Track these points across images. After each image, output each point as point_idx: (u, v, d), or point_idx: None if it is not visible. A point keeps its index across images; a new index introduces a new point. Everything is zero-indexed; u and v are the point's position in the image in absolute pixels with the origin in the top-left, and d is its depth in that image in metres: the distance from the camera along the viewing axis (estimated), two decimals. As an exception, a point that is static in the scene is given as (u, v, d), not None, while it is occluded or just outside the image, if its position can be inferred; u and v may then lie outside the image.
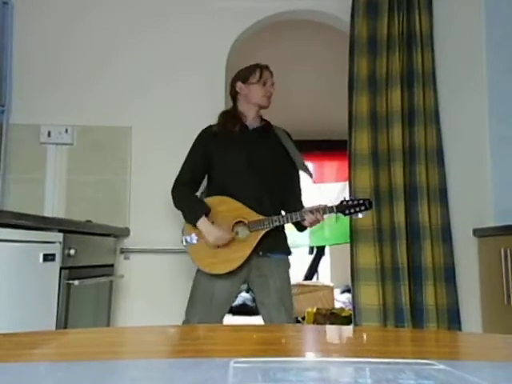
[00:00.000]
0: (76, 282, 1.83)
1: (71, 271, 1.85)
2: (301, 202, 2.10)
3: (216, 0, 2.65)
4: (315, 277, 6.42)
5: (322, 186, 5.41)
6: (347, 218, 2.09)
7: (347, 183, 2.48)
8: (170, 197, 2.05)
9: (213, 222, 1.93)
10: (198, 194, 2.11)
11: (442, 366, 0.45)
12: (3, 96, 2.54)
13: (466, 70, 2.59)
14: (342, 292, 5.80)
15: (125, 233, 2.48)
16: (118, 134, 2.58)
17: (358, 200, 1.95)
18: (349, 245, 2.43)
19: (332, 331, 0.84)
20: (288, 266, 2.06)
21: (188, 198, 2.04)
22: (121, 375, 0.44)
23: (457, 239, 2.42)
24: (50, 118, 2.57)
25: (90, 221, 2.27)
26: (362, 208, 1.93)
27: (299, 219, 1.92)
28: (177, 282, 2.38)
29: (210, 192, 2.07)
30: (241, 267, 1.93)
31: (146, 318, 2.38)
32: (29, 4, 2.65)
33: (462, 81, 2.58)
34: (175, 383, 0.40)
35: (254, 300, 4.82)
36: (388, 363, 0.47)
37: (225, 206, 1.96)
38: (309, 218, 1.90)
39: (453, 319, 2.32)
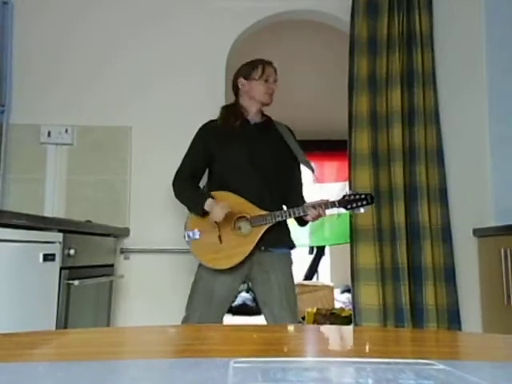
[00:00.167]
0: (76, 282, 1.83)
1: (71, 271, 1.85)
2: (302, 196, 2.09)
3: (216, 0, 2.65)
4: (315, 277, 6.43)
5: (322, 186, 5.41)
6: (349, 213, 2.08)
7: (347, 183, 2.48)
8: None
9: None
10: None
11: (441, 366, 0.45)
12: (3, 96, 2.54)
13: (466, 70, 2.59)
14: (342, 292, 5.80)
15: (125, 233, 2.48)
16: (118, 133, 2.58)
17: (360, 194, 1.94)
18: (349, 245, 2.43)
19: (332, 331, 0.84)
20: (290, 262, 2.04)
21: (190, 188, 2.04)
22: (121, 375, 0.43)
23: (457, 239, 2.42)
24: (50, 118, 2.57)
25: (89, 221, 2.27)
26: (364, 202, 1.92)
27: (302, 214, 1.91)
28: (177, 281, 2.38)
29: (210, 187, 2.06)
30: (243, 263, 1.92)
31: (146, 317, 2.38)
32: (29, 4, 2.65)
33: (462, 81, 2.58)
34: (175, 383, 0.40)
35: (254, 300, 4.82)
36: (388, 363, 0.47)
37: (226, 201, 1.94)
38: (311, 212, 1.89)
39: (453, 319, 2.32)
